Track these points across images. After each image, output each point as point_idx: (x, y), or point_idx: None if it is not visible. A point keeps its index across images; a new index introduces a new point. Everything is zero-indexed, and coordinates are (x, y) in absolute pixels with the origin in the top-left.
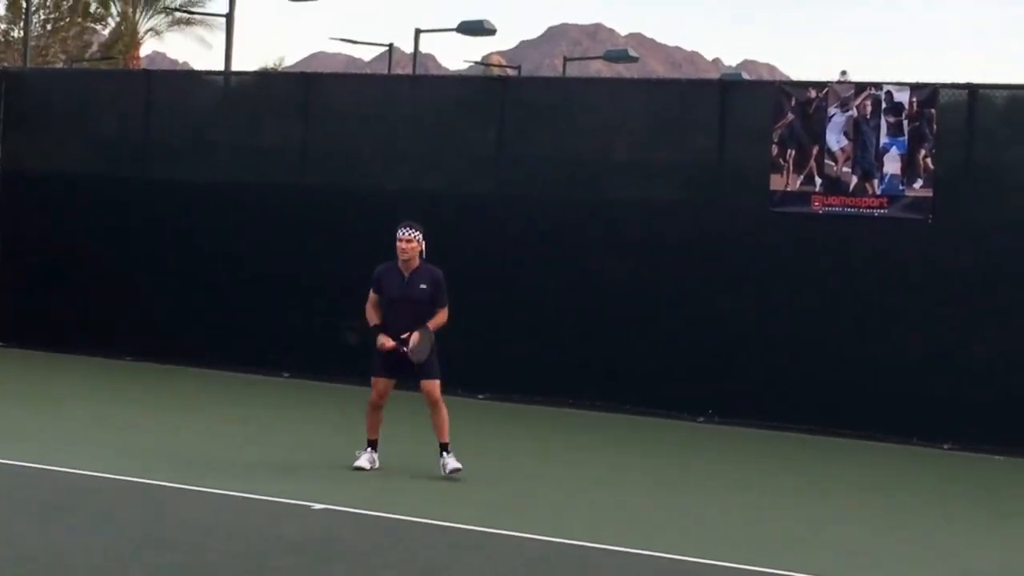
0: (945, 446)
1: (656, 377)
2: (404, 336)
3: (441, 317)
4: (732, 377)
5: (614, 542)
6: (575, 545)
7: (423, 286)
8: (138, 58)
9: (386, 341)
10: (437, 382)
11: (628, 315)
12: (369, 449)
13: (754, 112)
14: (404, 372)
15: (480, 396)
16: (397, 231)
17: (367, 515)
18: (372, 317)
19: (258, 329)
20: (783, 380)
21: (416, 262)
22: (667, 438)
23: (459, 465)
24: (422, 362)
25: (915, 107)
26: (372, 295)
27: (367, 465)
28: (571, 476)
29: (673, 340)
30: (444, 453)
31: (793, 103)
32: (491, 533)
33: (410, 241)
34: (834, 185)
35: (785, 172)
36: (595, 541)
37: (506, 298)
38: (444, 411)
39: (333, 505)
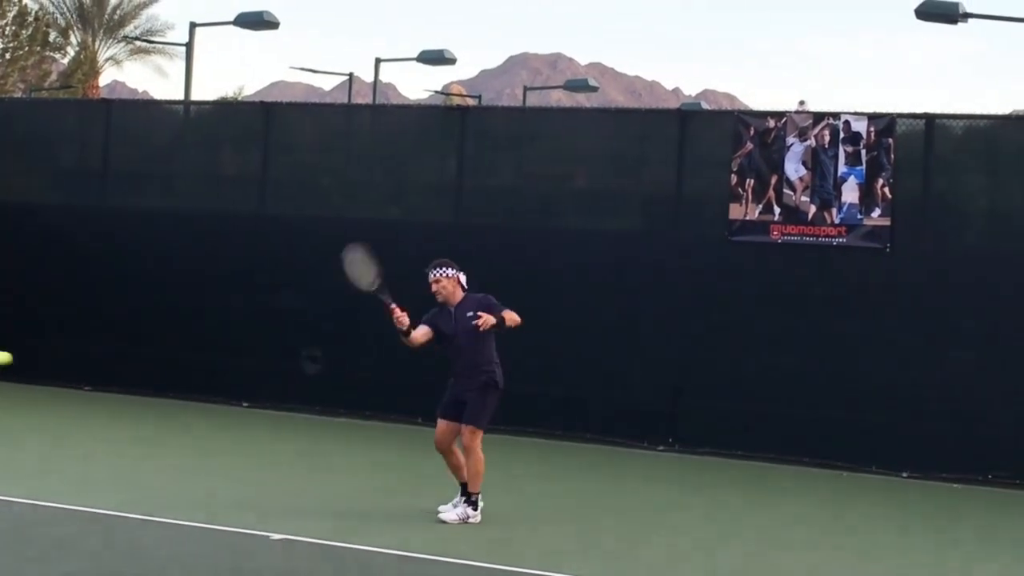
0: (904, 474)
1: (615, 406)
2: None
3: (510, 315)
4: (691, 406)
5: (576, 571)
6: (535, 575)
7: (469, 314)
8: (97, 87)
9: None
10: (472, 428)
11: (588, 344)
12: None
13: (713, 141)
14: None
15: None
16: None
17: (327, 545)
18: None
19: (218, 358)
20: (742, 409)
21: (458, 297)
22: (627, 467)
23: (448, 520)
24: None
25: (873, 137)
26: (423, 326)
27: (445, 517)
28: (532, 506)
29: (632, 369)
30: (460, 496)
31: (752, 133)
32: (452, 563)
33: (438, 281)
34: (793, 214)
35: (744, 201)
36: (557, 571)
37: None
38: (474, 459)
39: (292, 536)
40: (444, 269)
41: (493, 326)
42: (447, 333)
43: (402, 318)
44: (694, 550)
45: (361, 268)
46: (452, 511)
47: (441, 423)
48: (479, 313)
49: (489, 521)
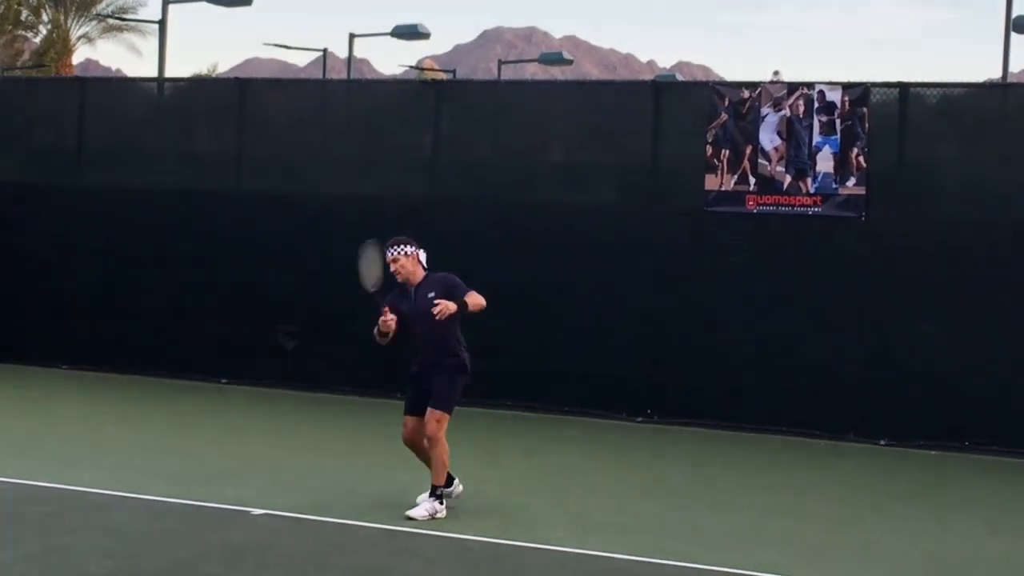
0: (881, 442)
1: (593, 378)
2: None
3: (474, 298)
4: (669, 377)
5: (554, 542)
6: (516, 546)
7: (431, 295)
8: (70, 65)
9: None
10: (439, 414)
11: (565, 316)
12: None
13: (688, 113)
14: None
15: None
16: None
17: (308, 519)
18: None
19: (196, 335)
20: (720, 379)
21: (419, 276)
22: (606, 438)
23: (417, 516)
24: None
25: (847, 106)
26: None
27: (413, 513)
28: (512, 478)
29: (610, 340)
30: (428, 494)
31: (726, 103)
32: (432, 536)
33: (396, 260)
34: (768, 184)
35: (719, 172)
36: (536, 542)
37: None
38: (439, 449)
39: (273, 511)
40: (402, 247)
41: (453, 313)
42: (406, 316)
43: (389, 322)
44: (675, 520)
45: (371, 268)
46: (420, 508)
47: (409, 420)
48: (437, 300)
49: (471, 495)
